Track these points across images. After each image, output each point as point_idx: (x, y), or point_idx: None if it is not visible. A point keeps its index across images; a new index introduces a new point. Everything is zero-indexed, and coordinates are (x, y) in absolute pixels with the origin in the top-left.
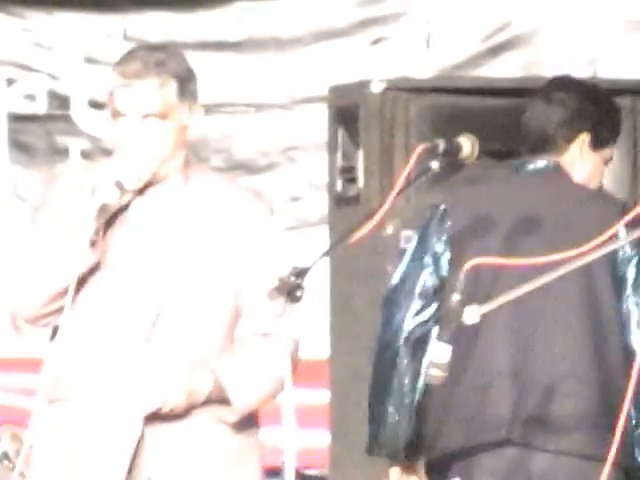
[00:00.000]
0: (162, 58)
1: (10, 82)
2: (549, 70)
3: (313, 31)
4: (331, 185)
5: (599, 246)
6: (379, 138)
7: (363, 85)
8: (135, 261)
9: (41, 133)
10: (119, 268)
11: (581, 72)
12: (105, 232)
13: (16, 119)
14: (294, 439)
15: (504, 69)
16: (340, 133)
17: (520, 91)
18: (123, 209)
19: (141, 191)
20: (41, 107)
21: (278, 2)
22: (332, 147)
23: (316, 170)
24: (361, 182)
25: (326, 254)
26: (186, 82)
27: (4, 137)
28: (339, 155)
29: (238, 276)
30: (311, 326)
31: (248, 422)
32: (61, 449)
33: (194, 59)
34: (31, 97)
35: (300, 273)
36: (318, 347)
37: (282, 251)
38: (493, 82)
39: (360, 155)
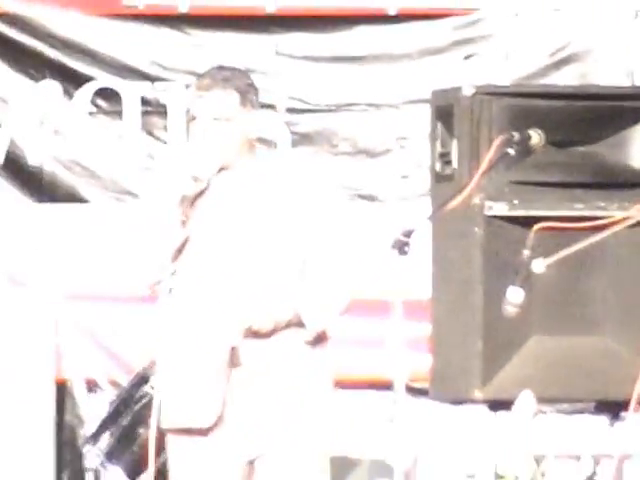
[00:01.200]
0: (227, 75)
1: (187, 87)
2: (599, 80)
3: (419, 48)
4: (432, 166)
5: None
6: (469, 130)
7: (457, 90)
8: (216, 231)
9: None
10: (206, 236)
11: (621, 82)
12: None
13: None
14: (404, 361)
15: (564, 79)
16: (439, 126)
17: (576, 96)
18: (204, 190)
19: (217, 174)
20: None
21: (391, 26)
22: (433, 137)
23: (421, 154)
24: (455, 164)
25: (429, 219)
26: (246, 94)
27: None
28: (438, 143)
29: (304, 233)
30: (418, 273)
31: (319, 340)
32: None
33: (328, 70)
34: None
35: (409, 233)
36: (424, 289)
37: (334, 210)
38: (556, 88)
39: (454, 143)
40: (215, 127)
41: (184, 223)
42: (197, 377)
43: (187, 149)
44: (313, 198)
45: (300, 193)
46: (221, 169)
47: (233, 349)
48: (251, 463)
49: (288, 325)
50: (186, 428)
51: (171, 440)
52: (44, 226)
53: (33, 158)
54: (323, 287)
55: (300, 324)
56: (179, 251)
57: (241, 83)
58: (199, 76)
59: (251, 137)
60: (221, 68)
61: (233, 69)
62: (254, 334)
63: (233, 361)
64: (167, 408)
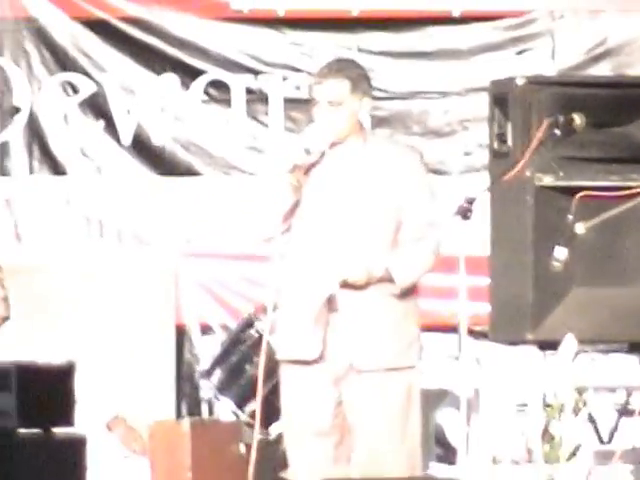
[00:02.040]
0: (342, 66)
1: (284, 78)
2: (629, 71)
3: (479, 45)
4: (490, 145)
5: None
6: (521, 114)
7: (511, 80)
8: (324, 197)
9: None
10: (315, 200)
11: None
12: (305, 177)
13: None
14: (467, 309)
15: (600, 70)
16: (496, 111)
17: (611, 84)
18: (317, 161)
19: (330, 148)
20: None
21: (456, 26)
22: (491, 120)
23: (481, 135)
24: (510, 143)
25: (488, 189)
26: (357, 82)
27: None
28: (495, 125)
29: (400, 201)
30: (479, 235)
31: (408, 293)
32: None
33: (402, 64)
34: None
35: (471, 201)
36: (483, 248)
37: (427, 184)
38: (594, 78)
39: (509, 125)
40: (328, 109)
41: (296, 189)
42: (304, 319)
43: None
44: (408, 171)
45: (398, 167)
46: (333, 145)
47: (331, 297)
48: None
49: (381, 280)
50: (295, 359)
51: (283, 368)
52: (165, 195)
53: (156, 139)
54: (413, 250)
55: (391, 280)
56: (291, 212)
57: (353, 73)
58: (320, 67)
59: (360, 118)
60: (338, 60)
61: (348, 61)
62: (350, 286)
63: (331, 307)
64: (282, 343)
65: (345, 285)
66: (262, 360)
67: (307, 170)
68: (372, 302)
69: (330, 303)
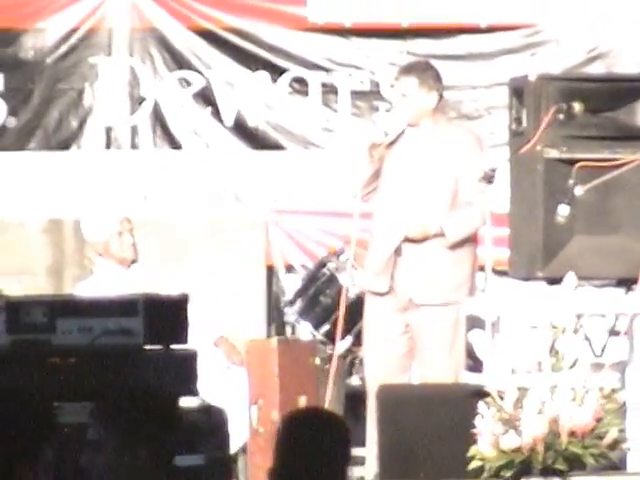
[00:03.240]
0: (412, 66)
1: (350, 75)
2: (617, 69)
3: (501, 49)
4: (510, 126)
5: None
6: (533, 103)
7: (526, 77)
8: (397, 168)
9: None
10: (393, 170)
11: (632, 70)
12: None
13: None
14: (492, 252)
15: (595, 69)
16: (514, 100)
17: (603, 79)
18: (396, 140)
19: (406, 130)
20: None
21: (482, 35)
22: (510, 107)
23: (503, 118)
24: (524, 124)
25: (508, 160)
26: (424, 77)
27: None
28: (514, 111)
29: (458, 173)
30: (502, 195)
31: (462, 244)
32: None
33: (442, 64)
34: (362, 82)
35: (494, 169)
36: (505, 206)
37: (482, 160)
38: (590, 75)
39: (524, 111)
40: (400, 100)
41: (374, 161)
42: (378, 260)
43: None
44: (465, 149)
45: (458, 145)
46: (410, 126)
47: (398, 247)
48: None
49: (436, 235)
50: (372, 291)
51: (367, 297)
52: (259, 165)
53: (252, 122)
54: (465, 213)
55: (444, 235)
56: (372, 179)
57: (421, 72)
58: (399, 67)
59: (429, 107)
60: (414, 62)
61: (421, 62)
62: (411, 240)
63: (398, 253)
64: (362, 278)
65: (407, 239)
66: (344, 291)
67: (388, 146)
68: (428, 251)
69: (397, 250)
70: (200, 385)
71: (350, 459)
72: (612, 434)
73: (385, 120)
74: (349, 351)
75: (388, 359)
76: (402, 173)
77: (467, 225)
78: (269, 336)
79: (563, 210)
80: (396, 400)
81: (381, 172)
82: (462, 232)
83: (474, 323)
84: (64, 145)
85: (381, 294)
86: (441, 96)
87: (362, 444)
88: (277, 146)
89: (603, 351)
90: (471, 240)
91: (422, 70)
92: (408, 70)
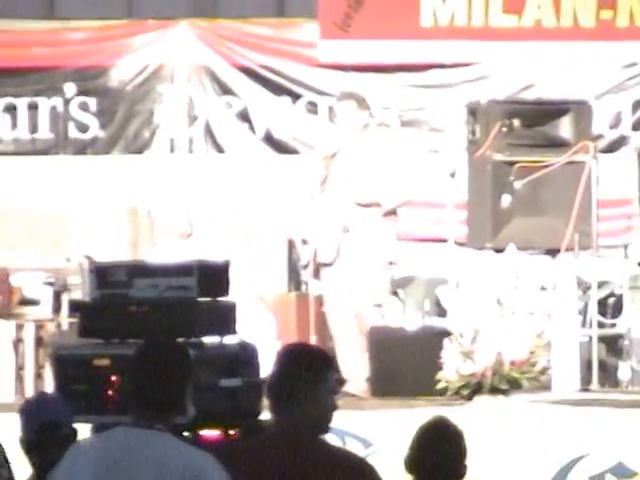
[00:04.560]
0: (349, 93)
1: None
2: (545, 96)
3: (461, 80)
4: (467, 136)
5: None
6: (483, 119)
7: (478, 101)
8: (339, 169)
9: None
10: (334, 173)
11: (555, 96)
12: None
13: None
14: (456, 228)
15: (529, 95)
16: (469, 117)
17: (534, 103)
18: (337, 152)
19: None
20: None
21: (448, 69)
22: (467, 122)
23: (462, 131)
24: (477, 135)
25: (467, 162)
26: (360, 101)
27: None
28: (470, 125)
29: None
30: (461, 187)
31: (388, 214)
32: None
33: (420, 92)
34: None
35: (455, 169)
36: (463, 195)
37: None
38: (524, 100)
39: (477, 125)
40: (343, 120)
41: (326, 167)
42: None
43: None
44: (380, 158)
45: (374, 159)
46: (347, 140)
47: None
48: None
49: (376, 205)
50: (322, 262)
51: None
52: (281, 165)
53: (277, 134)
54: (388, 193)
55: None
56: (324, 180)
57: (357, 97)
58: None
59: (364, 122)
60: (349, 91)
61: (353, 91)
62: (365, 205)
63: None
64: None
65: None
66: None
67: (333, 155)
68: (367, 216)
69: (344, 228)
70: (239, 327)
71: (328, 381)
72: (541, 363)
73: (332, 136)
74: None
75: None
76: (340, 176)
77: (390, 202)
78: (289, 291)
79: (505, 199)
80: (382, 338)
81: (328, 175)
82: (389, 206)
83: (442, 281)
84: (139, 151)
85: (329, 264)
86: (370, 114)
87: None
88: (295, 151)
89: (535, 302)
90: (391, 213)
91: (358, 96)
92: (348, 96)
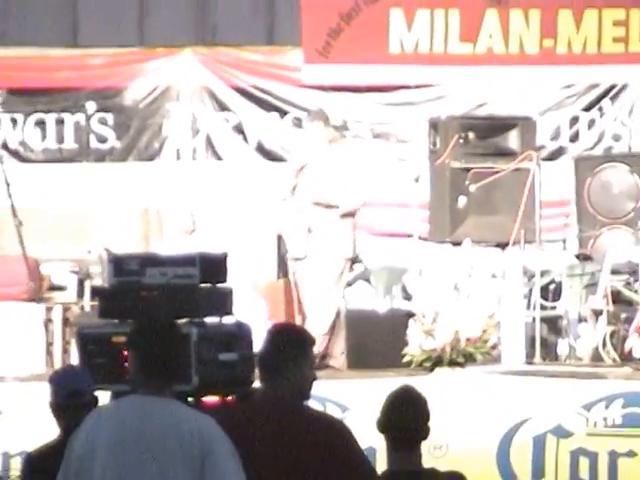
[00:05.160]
0: (316, 112)
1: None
2: (496, 112)
3: (424, 99)
4: (429, 146)
5: None
6: (443, 132)
7: (439, 116)
8: (306, 179)
9: None
10: (302, 182)
11: (504, 113)
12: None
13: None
14: (419, 224)
15: (483, 111)
16: (431, 130)
17: (488, 118)
18: (306, 165)
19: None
20: None
21: (414, 91)
22: (429, 135)
23: (425, 142)
24: (438, 145)
25: (430, 168)
26: (325, 119)
27: None
28: (432, 137)
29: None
30: (424, 190)
31: (345, 216)
32: None
33: (389, 109)
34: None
35: (419, 175)
36: (426, 197)
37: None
38: (478, 116)
39: (438, 137)
40: (311, 136)
41: (296, 176)
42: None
43: None
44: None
45: (337, 166)
46: (315, 154)
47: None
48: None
49: (334, 207)
50: (295, 257)
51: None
52: (270, 170)
53: (267, 144)
54: (345, 197)
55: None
56: (294, 188)
57: (323, 116)
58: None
59: (329, 138)
60: (316, 110)
61: (319, 110)
62: (326, 207)
63: (309, 230)
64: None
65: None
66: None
67: (301, 168)
68: (327, 223)
69: (308, 229)
70: (235, 309)
71: (309, 356)
72: (492, 340)
73: (301, 151)
74: None
75: None
76: (305, 185)
77: (347, 206)
78: (278, 278)
79: (462, 200)
80: (357, 319)
81: (298, 184)
82: (345, 209)
83: (407, 270)
84: (150, 159)
85: (300, 258)
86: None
87: None
88: (283, 159)
89: (487, 288)
90: (348, 214)
91: (324, 115)
92: (315, 116)
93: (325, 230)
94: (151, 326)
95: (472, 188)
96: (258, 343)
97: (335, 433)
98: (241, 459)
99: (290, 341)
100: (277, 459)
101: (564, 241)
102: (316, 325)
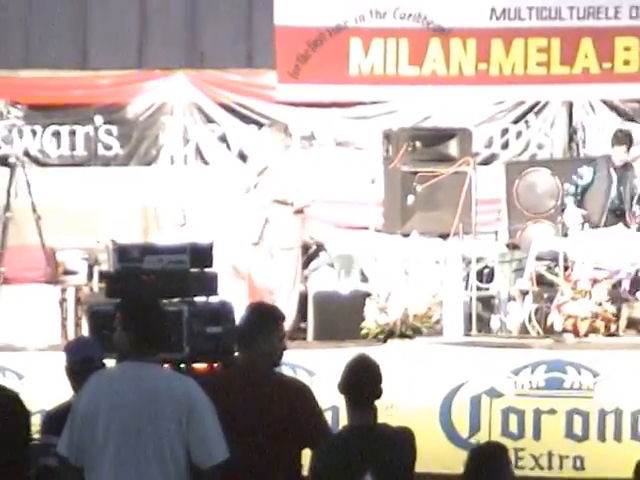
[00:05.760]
0: (274, 122)
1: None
2: (439, 124)
3: (377, 113)
4: (383, 154)
5: None
6: (395, 141)
7: (390, 129)
8: (267, 180)
9: None
10: (263, 182)
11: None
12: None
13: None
14: (374, 220)
15: (428, 124)
16: (385, 140)
17: (432, 129)
18: (266, 167)
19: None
20: None
21: (370, 106)
22: (383, 144)
23: (379, 150)
24: (391, 153)
25: (384, 172)
26: (284, 128)
27: None
28: (385, 146)
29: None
30: (380, 189)
31: (298, 212)
32: None
33: (349, 123)
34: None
35: (374, 177)
36: (381, 196)
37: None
38: (422, 128)
39: (390, 146)
40: (271, 144)
41: (257, 176)
42: (257, 225)
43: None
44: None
45: (294, 167)
46: (274, 158)
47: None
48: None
49: (289, 204)
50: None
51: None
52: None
53: (247, 151)
54: (297, 196)
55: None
56: (255, 185)
57: (282, 125)
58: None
59: (287, 144)
60: (274, 121)
61: (278, 122)
62: (281, 203)
63: (267, 221)
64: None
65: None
66: None
67: (262, 170)
68: (282, 216)
69: (266, 219)
70: (219, 290)
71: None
72: (436, 316)
73: (261, 156)
74: None
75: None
76: (270, 179)
77: (299, 203)
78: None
79: (410, 198)
80: (323, 298)
81: (258, 182)
82: (298, 206)
83: (364, 257)
84: (148, 163)
85: (255, 243)
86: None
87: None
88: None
89: (431, 272)
90: (300, 211)
91: (282, 124)
92: (275, 125)
93: (281, 222)
94: (136, 304)
95: (419, 188)
96: (239, 319)
97: (299, 394)
98: (223, 416)
99: (262, 317)
100: (252, 416)
101: (496, 233)
102: (284, 303)
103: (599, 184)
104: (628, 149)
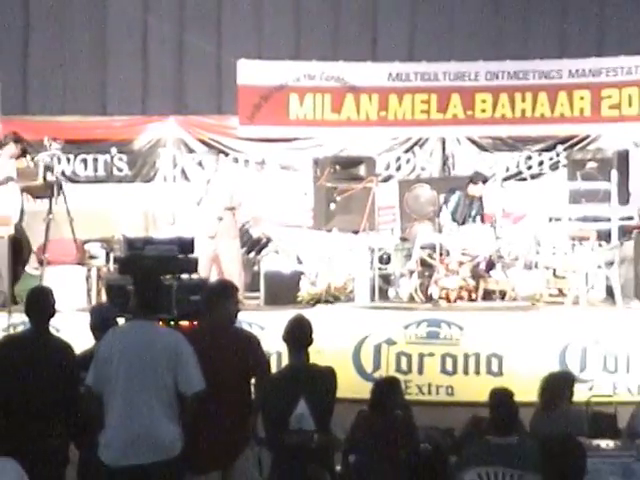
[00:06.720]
0: (212, 152)
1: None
2: (355, 155)
3: (307, 146)
4: (314, 177)
5: None
6: (322, 165)
7: (318, 157)
8: (214, 188)
9: None
10: (211, 189)
11: None
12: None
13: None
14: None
15: (345, 153)
16: (314, 165)
17: (345, 158)
18: (211, 179)
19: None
20: None
21: (301, 141)
22: (313, 166)
23: (310, 171)
24: (317, 173)
25: (313, 187)
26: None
27: None
28: (313, 169)
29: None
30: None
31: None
32: None
33: (289, 152)
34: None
35: (307, 191)
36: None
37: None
38: (345, 157)
39: (318, 169)
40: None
41: (206, 185)
42: (211, 223)
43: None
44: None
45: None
46: (216, 174)
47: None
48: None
49: (233, 208)
50: (209, 235)
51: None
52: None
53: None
54: (235, 202)
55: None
56: (206, 192)
57: (218, 152)
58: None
59: (224, 164)
60: (212, 150)
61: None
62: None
63: (220, 219)
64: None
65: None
66: None
67: (208, 182)
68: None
69: (219, 218)
70: (199, 269)
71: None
72: (350, 288)
73: (206, 172)
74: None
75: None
76: (215, 190)
77: (238, 205)
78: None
79: (332, 205)
80: (271, 276)
81: (208, 190)
82: (238, 207)
83: (300, 246)
84: (148, 181)
85: (212, 237)
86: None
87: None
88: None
89: (347, 257)
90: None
91: (217, 152)
92: (213, 153)
93: (229, 220)
94: (141, 279)
95: (338, 198)
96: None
97: (249, 341)
98: (200, 358)
99: (220, 288)
100: (218, 357)
101: (392, 229)
102: (235, 278)
103: (462, 204)
104: (484, 183)
